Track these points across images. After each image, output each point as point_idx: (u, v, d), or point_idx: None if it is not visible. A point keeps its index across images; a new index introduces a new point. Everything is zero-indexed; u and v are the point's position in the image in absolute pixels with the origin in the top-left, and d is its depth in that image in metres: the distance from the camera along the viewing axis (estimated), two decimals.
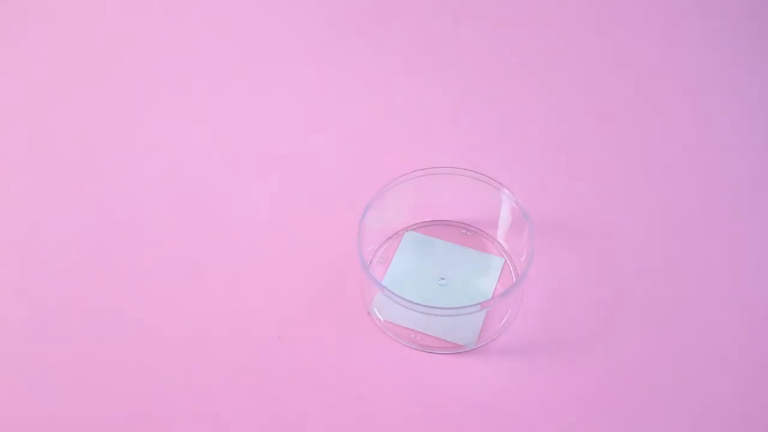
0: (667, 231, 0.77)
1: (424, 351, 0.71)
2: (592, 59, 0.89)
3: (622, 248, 0.76)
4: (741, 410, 0.68)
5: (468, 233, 0.77)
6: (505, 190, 0.74)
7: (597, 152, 0.82)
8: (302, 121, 0.84)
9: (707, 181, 0.80)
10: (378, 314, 0.72)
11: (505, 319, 0.72)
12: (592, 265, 0.75)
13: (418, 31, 0.91)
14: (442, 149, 0.82)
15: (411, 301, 0.67)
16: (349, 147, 0.83)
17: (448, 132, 0.84)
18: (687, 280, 0.74)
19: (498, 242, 0.76)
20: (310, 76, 0.88)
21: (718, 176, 0.80)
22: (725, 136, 0.83)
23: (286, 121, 0.84)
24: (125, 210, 0.79)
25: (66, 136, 0.85)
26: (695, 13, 0.92)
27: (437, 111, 0.85)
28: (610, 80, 0.87)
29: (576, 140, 0.83)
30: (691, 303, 0.73)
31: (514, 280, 0.74)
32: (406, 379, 0.69)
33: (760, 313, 0.73)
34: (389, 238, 0.77)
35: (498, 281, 0.74)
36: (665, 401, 0.68)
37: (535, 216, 0.74)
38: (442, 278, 0.74)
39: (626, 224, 0.78)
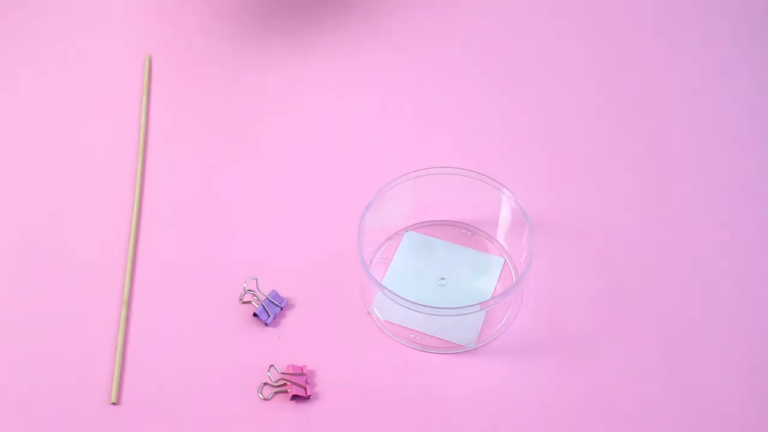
0: (666, 231, 0.77)
1: (424, 351, 0.71)
2: (593, 59, 0.89)
3: (622, 248, 0.76)
4: (741, 409, 0.68)
5: (468, 233, 0.77)
6: (505, 190, 0.74)
7: (597, 152, 0.82)
8: (302, 120, 0.84)
9: (707, 181, 0.80)
10: (378, 314, 0.72)
11: (505, 319, 0.72)
12: (592, 265, 0.75)
13: (419, 30, 0.91)
14: (442, 149, 0.82)
15: (411, 301, 0.67)
16: (349, 147, 0.83)
17: (448, 132, 0.84)
18: (687, 279, 0.74)
19: (498, 242, 0.76)
20: (310, 75, 0.88)
21: (719, 176, 0.80)
22: (726, 137, 0.83)
23: (286, 121, 0.84)
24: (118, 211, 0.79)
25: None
26: (696, 13, 0.92)
27: (438, 111, 0.85)
28: (611, 80, 0.87)
29: (576, 140, 0.83)
30: (690, 303, 0.73)
31: (514, 280, 0.74)
32: (406, 379, 0.69)
33: (760, 312, 0.73)
34: (389, 238, 0.77)
35: (498, 281, 0.74)
36: (665, 401, 0.68)
37: (535, 216, 0.74)
38: (442, 278, 0.74)
39: (626, 224, 0.78)
